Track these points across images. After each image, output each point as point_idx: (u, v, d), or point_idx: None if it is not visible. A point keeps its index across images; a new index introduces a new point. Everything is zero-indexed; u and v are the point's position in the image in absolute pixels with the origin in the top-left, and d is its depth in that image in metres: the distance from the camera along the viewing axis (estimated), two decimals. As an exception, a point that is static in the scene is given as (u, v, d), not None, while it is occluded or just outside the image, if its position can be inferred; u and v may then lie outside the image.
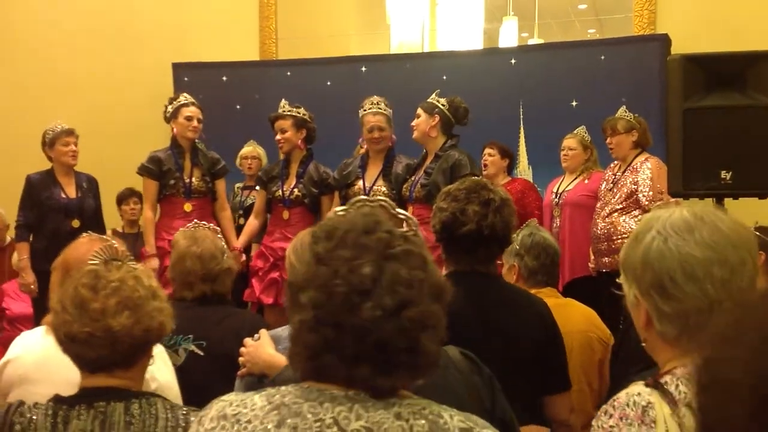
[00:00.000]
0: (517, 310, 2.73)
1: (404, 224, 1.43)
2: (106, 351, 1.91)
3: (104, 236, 2.80)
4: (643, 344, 1.61)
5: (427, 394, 2.08)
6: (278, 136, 5.50)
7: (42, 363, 2.41)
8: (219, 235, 3.23)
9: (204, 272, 3.01)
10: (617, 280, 1.68)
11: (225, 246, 3.22)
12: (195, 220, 3.38)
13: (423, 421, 1.33)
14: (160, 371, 2.41)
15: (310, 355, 1.34)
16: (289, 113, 5.49)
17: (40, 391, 2.02)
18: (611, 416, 1.54)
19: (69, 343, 1.93)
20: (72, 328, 1.90)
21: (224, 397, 1.43)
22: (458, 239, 2.65)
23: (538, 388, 2.71)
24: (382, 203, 1.45)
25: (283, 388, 1.37)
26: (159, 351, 2.42)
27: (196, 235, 3.11)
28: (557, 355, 2.76)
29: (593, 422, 1.59)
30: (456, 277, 2.71)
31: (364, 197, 1.46)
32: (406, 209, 4.96)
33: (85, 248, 2.58)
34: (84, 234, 2.78)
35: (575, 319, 3.08)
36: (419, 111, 5.05)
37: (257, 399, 1.38)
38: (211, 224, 3.32)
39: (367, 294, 1.29)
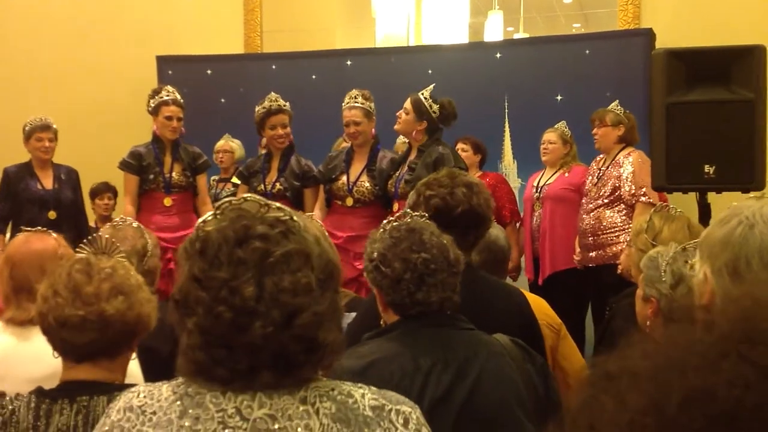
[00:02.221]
0: (498, 300, 2.76)
1: (279, 212, 1.35)
2: (96, 335, 1.90)
3: (41, 228, 2.78)
4: None
5: (487, 381, 2.11)
6: (280, 131, 5.41)
7: (8, 359, 2.39)
8: (145, 234, 3.12)
9: None
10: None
11: (150, 245, 3.07)
12: (121, 216, 3.28)
13: (329, 403, 1.32)
14: None
15: (200, 369, 1.32)
16: (285, 108, 5.45)
17: (6, 387, 1.99)
18: None
19: (59, 328, 1.91)
20: (64, 312, 1.89)
21: (134, 389, 1.42)
22: (452, 222, 2.66)
23: None
24: (248, 199, 1.36)
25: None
26: None
27: (116, 236, 3.03)
28: (537, 344, 2.76)
29: None
30: None
31: (228, 198, 1.38)
32: (392, 205, 4.95)
33: (21, 240, 2.64)
34: (20, 233, 2.76)
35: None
36: (409, 108, 4.91)
37: (164, 389, 1.37)
38: (135, 221, 3.21)
39: (253, 314, 1.27)
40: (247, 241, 1.29)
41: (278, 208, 1.36)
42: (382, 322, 2.43)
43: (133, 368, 2.42)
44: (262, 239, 1.29)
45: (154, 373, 1.97)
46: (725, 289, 1.54)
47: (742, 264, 1.52)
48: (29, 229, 2.77)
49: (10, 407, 1.89)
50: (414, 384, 2.07)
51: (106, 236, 3.02)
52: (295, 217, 1.35)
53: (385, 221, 2.37)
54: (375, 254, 2.24)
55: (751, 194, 1.76)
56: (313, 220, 3.28)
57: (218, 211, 1.35)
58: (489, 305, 2.70)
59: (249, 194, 1.40)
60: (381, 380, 1.98)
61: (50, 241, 2.67)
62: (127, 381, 2.20)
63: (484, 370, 2.15)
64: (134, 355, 2.44)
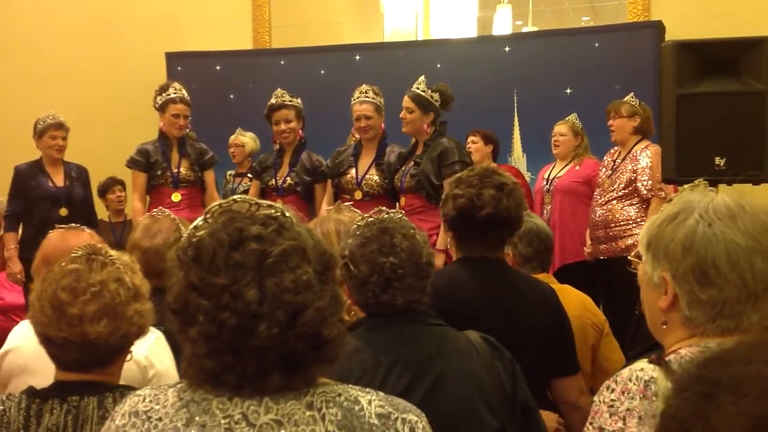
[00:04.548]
0: (525, 295, 2.74)
1: (269, 209, 1.33)
2: (81, 355, 1.88)
3: (74, 225, 2.79)
4: (663, 326, 1.59)
5: (451, 378, 2.10)
6: (283, 126, 5.45)
7: (41, 354, 2.39)
8: (181, 228, 3.10)
9: (147, 268, 2.94)
10: (630, 257, 1.66)
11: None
12: (160, 208, 3.29)
13: (335, 409, 1.31)
14: (158, 358, 2.39)
15: (209, 378, 1.31)
16: (290, 103, 5.47)
17: (40, 382, 2.00)
18: (613, 390, 1.54)
19: (45, 343, 1.90)
20: (48, 331, 1.87)
21: (139, 392, 1.40)
22: (475, 224, 2.65)
23: (546, 372, 2.72)
24: (237, 200, 1.34)
25: None
26: (158, 337, 2.40)
27: (152, 228, 3.04)
28: (566, 338, 2.77)
29: (595, 397, 1.59)
30: (466, 264, 2.75)
31: (219, 201, 1.36)
32: (399, 199, 4.95)
33: (59, 238, 2.63)
34: (53, 230, 2.77)
35: (570, 304, 3.09)
36: (412, 105, 4.94)
37: (170, 394, 1.35)
38: (169, 212, 3.22)
39: (257, 317, 1.25)
40: (242, 243, 1.27)
41: (268, 206, 1.33)
42: (351, 315, 2.42)
43: (170, 368, 2.42)
44: (257, 240, 1.27)
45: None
46: (692, 295, 1.51)
47: (710, 268, 1.49)
48: (63, 226, 2.78)
49: (1, 407, 1.88)
50: (374, 381, 2.05)
51: (143, 225, 3.06)
52: (286, 213, 1.33)
53: (359, 217, 2.33)
54: (346, 251, 2.21)
55: (686, 186, 1.68)
56: (352, 210, 3.28)
57: (208, 215, 1.33)
58: (518, 301, 2.70)
59: (238, 195, 1.38)
60: (340, 376, 1.97)
61: (84, 235, 2.68)
62: (164, 381, 2.20)
63: (447, 366, 2.12)
64: (171, 354, 2.44)
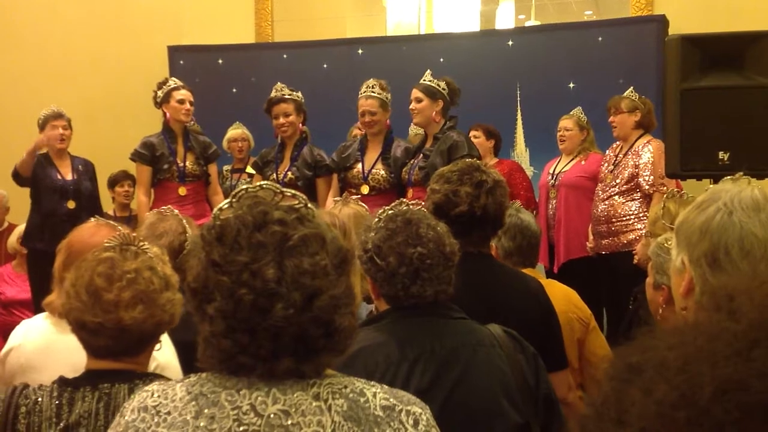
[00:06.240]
0: (512, 289, 2.73)
1: (293, 199, 1.38)
2: (113, 341, 1.91)
3: (111, 222, 2.75)
4: (683, 312, 1.59)
5: (475, 372, 2.10)
6: (281, 120, 5.45)
7: (44, 349, 2.39)
8: (188, 230, 3.07)
9: None
10: (666, 243, 1.65)
11: (190, 243, 3.01)
12: (169, 206, 3.26)
13: (342, 401, 1.34)
14: (160, 351, 2.40)
15: (225, 357, 1.34)
16: (290, 97, 5.46)
17: (44, 378, 2.01)
18: None
19: (78, 329, 1.93)
20: (83, 317, 1.89)
21: (147, 387, 1.42)
22: (451, 221, 2.64)
23: None
24: (264, 186, 1.40)
25: (203, 375, 1.38)
26: None
27: (158, 227, 3.02)
28: (553, 333, 2.76)
29: None
30: None
31: (245, 186, 1.41)
32: (406, 193, 4.95)
33: (90, 232, 2.55)
34: (92, 219, 2.73)
35: (555, 299, 3.09)
36: (420, 95, 4.95)
37: (178, 389, 1.38)
38: (177, 212, 3.17)
39: (274, 296, 1.28)
40: (266, 225, 1.31)
41: (292, 196, 1.38)
42: (373, 309, 2.40)
43: (171, 360, 2.41)
44: (280, 224, 1.32)
45: (193, 368, 1.96)
46: (704, 280, 1.51)
47: (721, 254, 1.49)
48: (105, 218, 2.71)
49: (33, 397, 1.91)
50: (399, 373, 2.06)
51: (149, 222, 3.04)
52: (308, 205, 1.38)
53: (380, 210, 2.32)
54: (369, 245, 2.20)
55: (728, 178, 1.72)
56: (359, 204, 3.26)
57: (234, 199, 1.38)
58: (505, 295, 2.69)
59: (264, 182, 1.43)
60: (366, 370, 1.97)
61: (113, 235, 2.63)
62: (165, 372, 2.20)
63: (471, 360, 2.13)
64: (173, 347, 2.44)
